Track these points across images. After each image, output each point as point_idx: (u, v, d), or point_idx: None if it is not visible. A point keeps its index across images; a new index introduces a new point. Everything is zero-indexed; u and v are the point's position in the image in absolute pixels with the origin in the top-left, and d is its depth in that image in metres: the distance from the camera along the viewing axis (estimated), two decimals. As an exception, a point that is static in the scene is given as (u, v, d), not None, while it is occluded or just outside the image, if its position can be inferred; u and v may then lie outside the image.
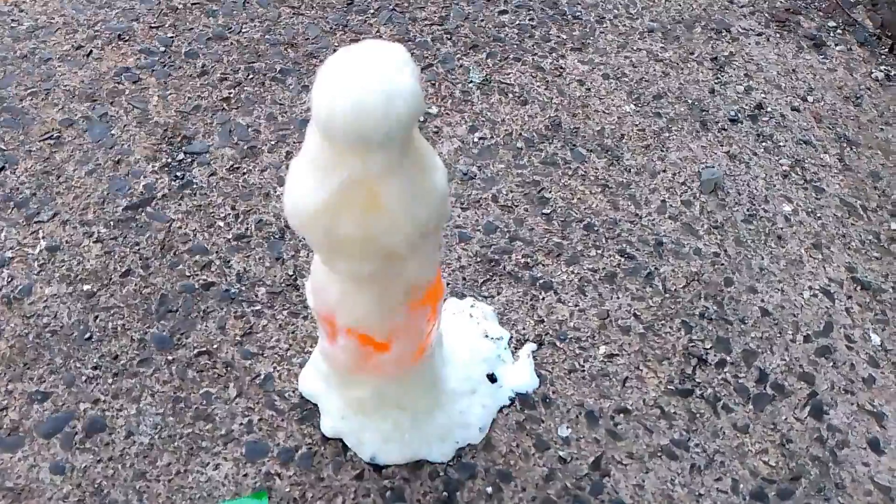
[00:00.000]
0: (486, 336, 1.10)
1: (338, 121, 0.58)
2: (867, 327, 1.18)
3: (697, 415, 1.06)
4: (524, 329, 1.12)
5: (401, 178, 0.66)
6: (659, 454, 1.02)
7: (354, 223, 0.67)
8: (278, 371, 1.05)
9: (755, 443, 1.04)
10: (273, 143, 1.32)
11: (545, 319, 1.14)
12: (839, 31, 1.68)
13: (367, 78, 0.58)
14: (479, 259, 1.20)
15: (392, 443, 0.97)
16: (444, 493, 0.96)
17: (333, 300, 0.78)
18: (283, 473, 0.97)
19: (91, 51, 1.44)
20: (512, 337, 1.11)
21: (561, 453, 1.01)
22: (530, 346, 1.10)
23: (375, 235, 0.68)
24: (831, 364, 1.13)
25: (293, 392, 1.03)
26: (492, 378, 1.06)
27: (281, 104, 1.38)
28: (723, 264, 1.23)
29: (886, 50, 1.64)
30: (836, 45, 1.64)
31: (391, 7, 1.57)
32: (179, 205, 1.22)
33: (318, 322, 0.86)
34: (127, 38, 1.46)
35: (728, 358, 1.12)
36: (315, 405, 1.02)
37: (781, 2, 1.72)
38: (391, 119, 0.58)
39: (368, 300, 0.77)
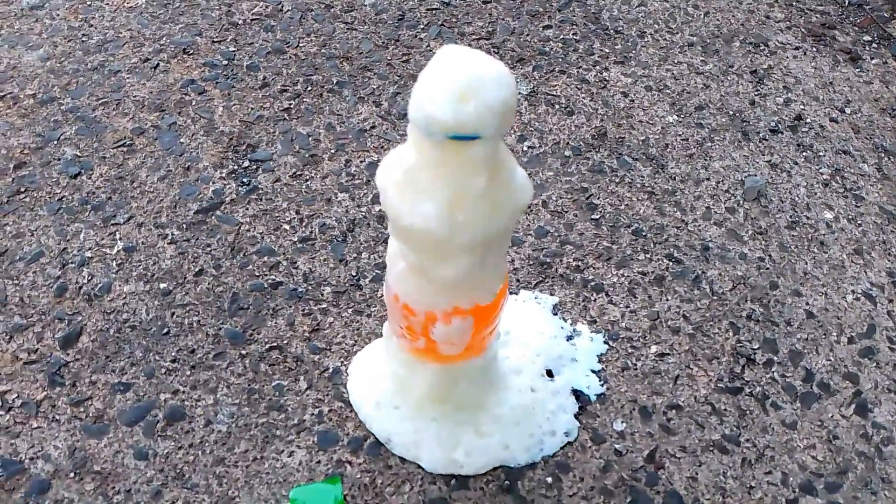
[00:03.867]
0: (555, 324, 1.15)
1: (443, 115, 0.64)
2: (909, 330, 1.22)
3: (747, 412, 1.10)
4: (580, 329, 1.17)
5: (494, 172, 0.72)
6: (711, 448, 1.06)
7: (426, 209, 0.73)
8: (345, 365, 1.11)
9: (803, 439, 1.08)
10: (333, 151, 1.38)
11: (598, 320, 1.19)
12: (874, 45, 1.72)
13: (468, 73, 0.64)
14: (531, 262, 1.25)
15: (476, 453, 1.02)
16: (506, 482, 1.01)
17: (411, 286, 0.84)
18: (354, 461, 1.02)
19: (158, 63, 1.51)
20: (572, 335, 1.16)
21: (617, 446, 1.05)
22: (597, 347, 1.14)
23: (447, 225, 0.74)
24: (874, 364, 1.17)
25: (361, 385, 1.09)
26: (549, 374, 1.11)
27: (339, 115, 1.44)
28: (768, 268, 1.28)
29: (922, 63, 1.68)
30: (872, 58, 1.69)
31: (440, 23, 1.64)
32: (247, 209, 1.29)
33: (391, 314, 0.91)
34: (191, 51, 1.53)
35: (775, 358, 1.16)
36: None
37: (817, 17, 1.77)
38: (495, 110, 0.64)
39: (443, 289, 0.82)
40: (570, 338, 1.16)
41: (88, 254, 1.22)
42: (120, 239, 1.24)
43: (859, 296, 1.26)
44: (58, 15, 1.59)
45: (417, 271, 0.84)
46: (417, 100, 0.68)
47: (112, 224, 1.26)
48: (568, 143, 1.44)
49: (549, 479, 1.02)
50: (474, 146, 0.68)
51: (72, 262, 1.20)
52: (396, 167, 0.77)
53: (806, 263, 1.29)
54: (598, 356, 1.14)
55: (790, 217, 1.36)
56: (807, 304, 1.24)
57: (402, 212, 0.76)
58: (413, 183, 0.75)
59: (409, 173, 0.75)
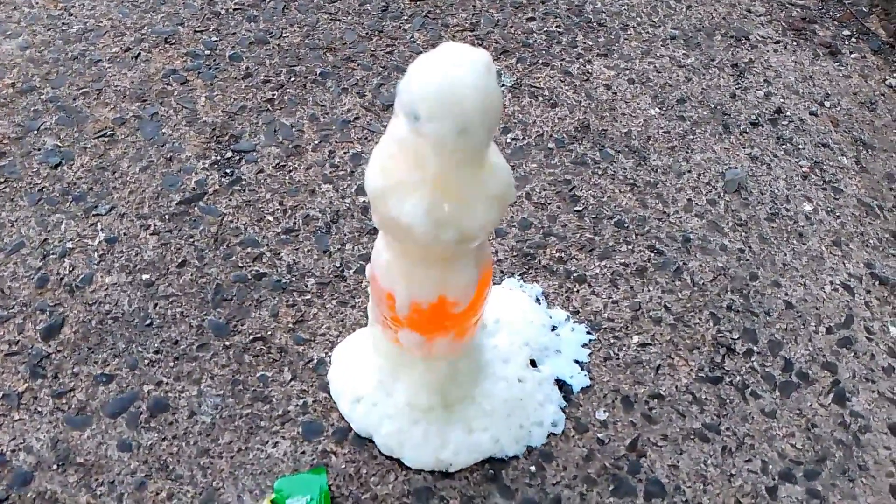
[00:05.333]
0: (542, 312, 1.16)
1: (430, 108, 0.64)
2: (886, 320, 1.24)
3: (727, 400, 1.12)
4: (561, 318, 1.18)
5: (475, 170, 0.72)
6: (692, 437, 1.08)
7: (412, 204, 0.73)
8: (329, 356, 1.11)
9: (782, 427, 1.10)
10: (316, 142, 1.38)
11: (580, 310, 1.20)
12: (853, 39, 1.74)
13: (459, 71, 0.64)
14: (514, 253, 1.26)
15: (465, 450, 1.02)
16: (491, 472, 1.02)
17: (396, 276, 0.84)
18: (339, 451, 1.02)
19: (139, 53, 1.50)
20: (557, 325, 1.16)
21: (599, 435, 1.07)
22: (580, 338, 1.15)
23: (433, 219, 0.74)
24: (852, 354, 1.19)
25: (345, 376, 1.09)
26: (532, 364, 1.12)
27: (322, 105, 1.44)
28: (748, 260, 1.29)
29: (899, 58, 1.70)
30: (851, 52, 1.71)
31: (424, 14, 1.63)
32: (230, 200, 1.28)
33: (377, 304, 0.91)
34: (173, 41, 1.52)
35: (755, 348, 1.18)
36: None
37: (797, 11, 1.79)
38: (481, 108, 0.64)
39: (434, 277, 0.82)
40: (554, 328, 1.17)
41: (70, 244, 1.21)
42: (101, 230, 1.23)
43: (838, 287, 1.28)
44: (37, 3, 1.57)
45: (404, 261, 0.84)
46: (407, 87, 0.68)
47: (93, 215, 1.25)
48: (551, 136, 1.45)
49: (533, 468, 1.03)
50: (460, 140, 0.68)
51: (53, 253, 1.19)
52: (382, 160, 0.77)
53: (785, 255, 1.31)
54: (582, 346, 1.15)
55: (770, 209, 1.37)
56: (786, 294, 1.25)
57: (387, 205, 0.77)
58: (397, 176, 0.75)
59: (394, 165, 0.76)
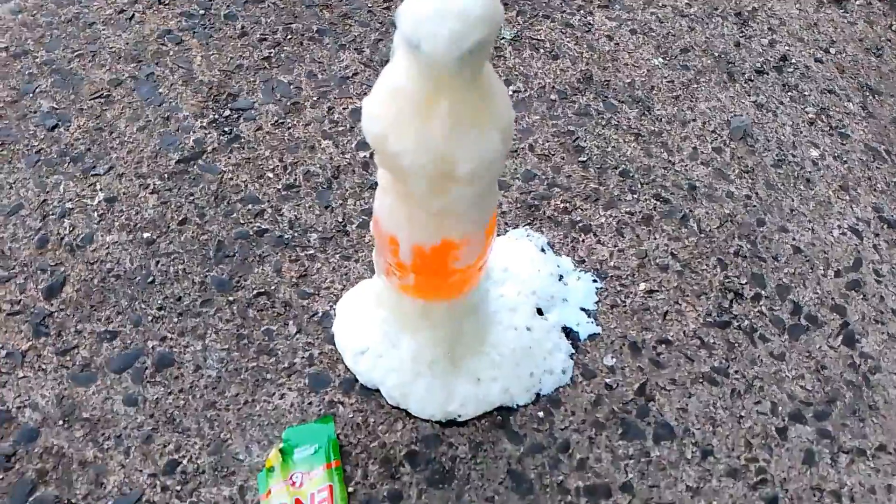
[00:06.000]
0: (550, 261, 1.15)
1: (431, 27, 0.63)
2: (895, 263, 1.22)
3: (736, 344, 1.11)
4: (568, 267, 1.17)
5: (472, 97, 0.70)
6: (700, 380, 1.07)
7: (410, 134, 0.72)
8: (334, 309, 1.10)
9: (791, 369, 1.09)
10: (315, 99, 1.36)
11: (586, 259, 1.19)
12: (859, -15, 1.71)
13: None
14: (518, 205, 1.25)
15: (473, 402, 1.02)
16: (499, 418, 1.01)
17: (399, 219, 0.83)
18: (346, 401, 1.02)
19: (133, 14, 1.48)
20: (563, 274, 1.15)
21: (607, 381, 1.06)
22: (587, 286, 1.14)
23: (432, 149, 0.72)
24: (861, 297, 1.18)
25: (350, 327, 1.08)
26: (539, 312, 1.11)
27: (320, 62, 1.42)
28: (754, 206, 1.28)
29: (906, 3, 1.67)
30: (856, -1, 1.68)
31: (421, -31, 1.60)
32: (229, 158, 1.27)
33: (381, 250, 0.90)
34: (167, 1, 1.50)
35: (763, 292, 1.17)
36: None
37: (801, -42, 1.76)
38: (482, 19, 0.62)
39: (437, 218, 0.81)
40: (561, 277, 1.16)
41: (69, 205, 1.20)
42: (101, 190, 1.22)
43: (846, 230, 1.26)
44: (28, -33, 1.55)
45: (406, 204, 0.83)
46: (406, 12, 0.66)
47: (92, 175, 1.23)
48: (553, 87, 1.43)
49: (541, 414, 1.02)
50: (463, 59, 0.66)
51: (52, 214, 1.18)
52: (383, 94, 0.75)
53: (792, 200, 1.29)
54: (588, 294, 1.14)
55: (776, 156, 1.35)
56: (793, 239, 1.24)
57: (387, 142, 0.75)
58: (396, 113, 0.74)
59: (397, 99, 0.74)
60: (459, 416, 1.01)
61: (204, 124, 1.31)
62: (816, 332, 1.13)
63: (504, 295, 1.11)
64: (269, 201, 1.22)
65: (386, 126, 0.74)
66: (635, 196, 1.27)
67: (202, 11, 1.49)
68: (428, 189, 0.78)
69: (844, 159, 1.37)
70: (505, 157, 0.80)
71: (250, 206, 1.21)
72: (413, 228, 0.85)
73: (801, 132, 1.40)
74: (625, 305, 1.14)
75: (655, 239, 1.22)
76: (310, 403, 1.01)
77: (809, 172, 1.34)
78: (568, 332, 1.10)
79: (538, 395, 1.03)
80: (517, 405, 1.03)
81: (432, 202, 0.80)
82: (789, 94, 1.46)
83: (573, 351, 1.08)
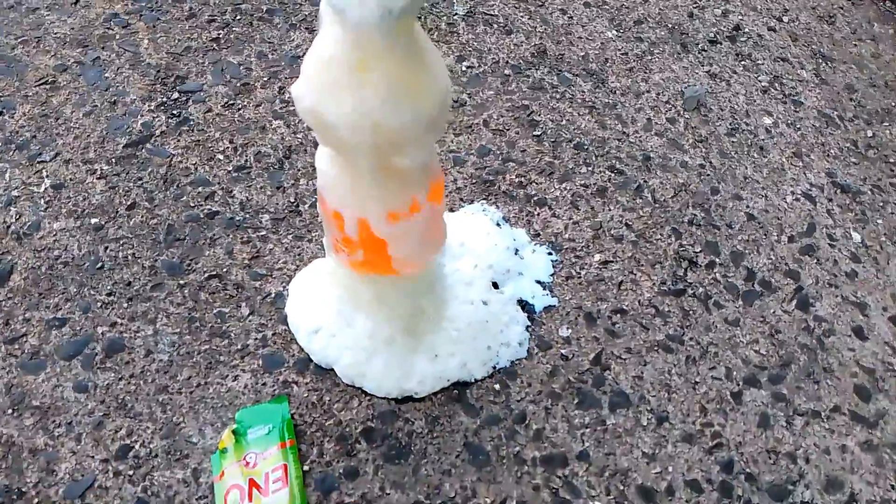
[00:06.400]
0: (506, 235, 1.14)
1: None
2: (848, 226, 1.24)
3: (690, 312, 1.11)
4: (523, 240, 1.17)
5: (404, 62, 0.69)
6: (656, 348, 1.07)
7: (345, 104, 0.70)
8: (288, 290, 1.09)
9: (746, 334, 1.10)
10: (265, 79, 1.34)
11: (541, 233, 1.18)
12: (811, -46, 1.72)
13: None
14: (474, 180, 1.24)
15: (431, 378, 1.01)
16: (455, 392, 1.01)
17: (342, 192, 0.82)
18: (300, 381, 1.01)
19: (78, -1, 1.45)
20: (519, 248, 1.15)
21: (563, 351, 1.06)
22: (542, 259, 1.14)
23: (368, 117, 0.71)
24: (815, 261, 1.19)
25: (304, 307, 1.07)
26: (494, 286, 1.10)
27: (270, 42, 1.40)
28: (708, 175, 1.28)
29: (857, -29, 1.68)
30: (809, -32, 1.68)
31: (373, -54, 1.59)
32: (178, 140, 1.25)
33: (328, 227, 0.89)
34: (113, -15, 1.47)
35: (717, 259, 1.17)
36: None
37: (754, -71, 1.76)
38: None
39: (374, 192, 0.80)
40: (517, 251, 1.15)
41: (15, 193, 1.17)
42: (47, 176, 1.19)
43: (799, 196, 1.27)
44: (-32, -47, 1.51)
45: (348, 176, 0.82)
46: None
47: (38, 162, 1.21)
48: (507, 62, 1.42)
49: (497, 387, 1.02)
50: (391, 30, 0.65)
51: (-3, 203, 1.16)
52: (313, 67, 0.74)
53: (746, 168, 1.30)
54: (543, 267, 1.14)
55: (730, 124, 1.36)
56: (747, 206, 1.24)
57: (319, 112, 0.74)
58: (331, 79, 0.73)
59: (328, 70, 0.73)
60: (416, 393, 1.01)
61: (152, 108, 1.29)
62: (770, 298, 1.14)
63: (460, 269, 1.10)
64: (219, 183, 1.20)
65: (319, 98, 0.73)
66: (590, 168, 1.27)
67: (149, -6, 1.46)
68: (366, 159, 0.77)
69: (798, 126, 1.37)
70: (443, 123, 0.80)
71: (200, 189, 1.19)
72: (356, 201, 0.84)
73: (755, 101, 1.40)
74: (580, 277, 1.14)
75: (610, 210, 1.22)
76: (264, 384, 1.01)
77: (763, 140, 1.34)
78: (524, 305, 1.10)
79: (495, 368, 1.03)
80: (475, 379, 1.03)
81: (372, 173, 0.79)
82: (742, 63, 1.47)
83: (529, 323, 1.08)
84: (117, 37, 1.39)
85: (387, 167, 0.79)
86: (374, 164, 0.78)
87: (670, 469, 0.97)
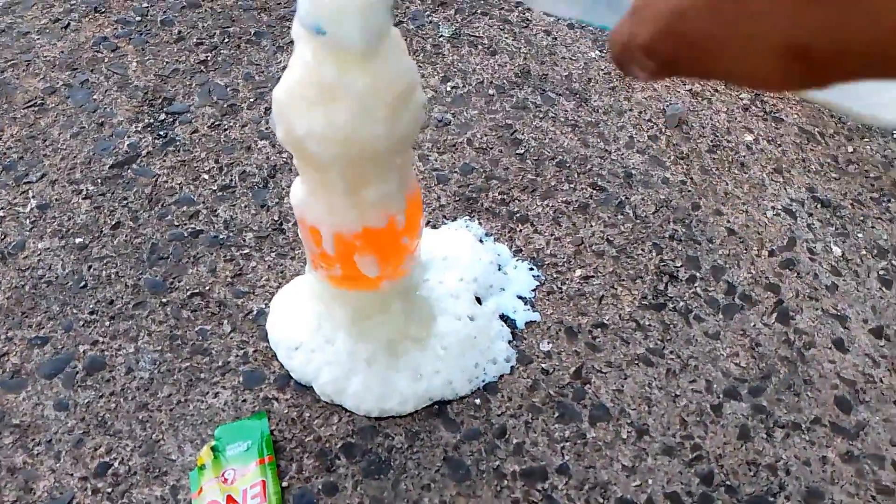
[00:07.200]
0: (490, 250, 1.15)
1: (328, 12, 0.63)
2: (828, 240, 1.24)
3: (671, 325, 1.12)
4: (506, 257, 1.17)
5: (377, 75, 0.70)
6: (636, 362, 1.07)
7: (316, 119, 0.72)
8: (270, 307, 1.10)
9: (726, 348, 1.10)
10: (252, 100, 1.36)
11: (523, 249, 1.19)
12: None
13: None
14: (457, 198, 1.25)
15: (414, 399, 1.01)
16: (436, 407, 1.01)
17: (317, 208, 0.83)
18: (281, 397, 1.01)
19: (69, 23, 1.47)
20: (502, 265, 1.16)
21: (543, 366, 1.06)
22: (524, 275, 1.15)
23: (340, 132, 0.72)
24: (795, 275, 1.20)
25: (285, 324, 1.08)
26: (478, 301, 1.11)
27: (258, 64, 1.42)
28: (689, 191, 1.29)
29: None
30: (790, -12, 1.71)
31: (359, -29, 1.61)
32: (164, 161, 1.26)
33: (305, 242, 0.90)
34: (103, 9, 1.49)
35: (698, 274, 1.18)
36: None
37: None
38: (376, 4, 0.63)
39: (350, 207, 0.81)
40: (500, 267, 1.16)
41: (0, 213, 1.18)
42: (33, 197, 1.20)
43: (779, 211, 1.28)
44: (-39, -20, 1.54)
45: (324, 191, 0.83)
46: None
47: (24, 183, 1.22)
48: (492, 82, 1.44)
49: (478, 401, 1.02)
50: (369, 46, 0.67)
51: (-17, 223, 1.17)
52: (286, 84, 0.75)
53: (727, 184, 1.31)
54: (525, 282, 1.14)
55: (711, 141, 1.37)
56: (728, 221, 1.25)
57: (295, 125, 0.75)
58: (303, 95, 0.74)
59: (300, 86, 0.74)
60: (398, 413, 1.00)
61: (139, 129, 1.30)
62: (751, 311, 1.15)
63: (444, 282, 1.11)
64: (204, 202, 1.21)
65: (291, 114, 0.74)
66: (572, 185, 1.28)
67: (138, 18, 1.48)
68: (340, 174, 0.78)
69: (778, 142, 1.39)
70: (415, 135, 0.81)
71: (185, 208, 1.20)
72: (333, 216, 0.85)
73: (736, 118, 1.42)
74: (561, 292, 1.14)
75: (592, 226, 1.23)
76: (244, 401, 1.01)
77: (744, 156, 1.35)
78: (505, 320, 1.10)
79: (482, 384, 1.03)
80: (459, 396, 1.03)
81: (347, 187, 0.80)
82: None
83: (511, 339, 1.08)
84: (106, 59, 1.41)
85: (360, 180, 0.80)
86: (347, 178, 0.79)
87: (650, 482, 0.96)
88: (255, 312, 1.09)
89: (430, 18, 1.54)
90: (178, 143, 1.28)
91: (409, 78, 0.74)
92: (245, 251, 1.16)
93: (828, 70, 0.31)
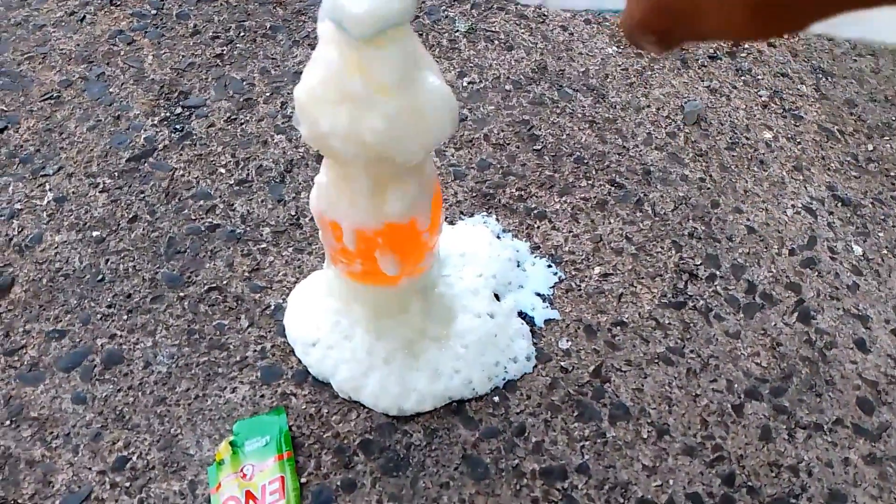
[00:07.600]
0: (508, 247, 1.14)
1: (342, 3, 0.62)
2: (849, 240, 1.23)
3: (691, 324, 1.11)
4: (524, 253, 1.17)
5: (399, 79, 0.70)
6: (656, 361, 1.07)
7: (339, 117, 0.71)
8: (287, 302, 1.09)
9: (747, 347, 1.09)
10: (268, 94, 1.35)
11: (541, 245, 1.18)
12: (811, -28, 1.73)
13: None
14: (474, 194, 1.24)
15: (431, 398, 1.00)
16: (454, 405, 1.01)
17: (338, 202, 0.82)
18: (299, 393, 1.01)
19: (84, 16, 1.46)
20: (521, 262, 1.15)
21: (563, 364, 1.05)
22: (543, 271, 1.14)
23: (363, 129, 0.72)
24: (816, 274, 1.18)
25: (303, 319, 1.07)
26: (496, 298, 1.10)
27: (273, 58, 1.41)
28: (708, 188, 1.28)
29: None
30: (809, -15, 1.69)
31: (375, -35, 1.60)
32: (181, 155, 1.26)
33: (324, 238, 0.90)
34: (118, 3, 1.49)
35: (718, 272, 1.17)
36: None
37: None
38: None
39: (376, 200, 0.80)
40: (518, 263, 1.15)
41: (18, 206, 1.18)
42: (50, 190, 1.20)
43: (800, 209, 1.27)
44: (-23, -28, 1.54)
45: (347, 187, 0.82)
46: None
47: (41, 175, 1.22)
48: (508, 78, 1.43)
49: (497, 399, 1.01)
50: (386, 47, 0.66)
51: (1, 216, 1.16)
52: (311, 79, 0.74)
53: (746, 182, 1.30)
54: (543, 280, 1.14)
55: (730, 138, 1.36)
56: (748, 219, 1.24)
57: (319, 121, 0.74)
58: (326, 94, 0.73)
59: (325, 81, 0.73)
60: (416, 413, 1.00)
61: (155, 122, 1.30)
62: (772, 310, 1.14)
63: (463, 279, 1.10)
64: (221, 196, 1.21)
65: (315, 111, 0.74)
66: (590, 182, 1.27)
67: (154, 11, 1.48)
68: (364, 170, 0.78)
69: (798, 140, 1.37)
70: (440, 137, 0.80)
71: (202, 202, 1.20)
72: (355, 212, 0.84)
73: (755, 115, 1.41)
74: (580, 289, 1.13)
75: (610, 223, 1.22)
76: (262, 396, 1.00)
77: (763, 154, 1.34)
78: (524, 317, 1.09)
79: (502, 382, 1.02)
80: (479, 395, 1.02)
81: (370, 183, 0.79)
82: (742, 78, 1.47)
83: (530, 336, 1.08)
84: (122, 53, 1.40)
85: (385, 179, 0.80)
86: (371, 174, 0.79)
87: (671, 482, 0.96)
88: (272, 307, 1.09)
89: (446, 13, 1.53)
90: (194, 137, 1.28)
91: (438, 83, 0.73)
92: (262, 246, 1.15)
93: (799, 11, 0.34)
